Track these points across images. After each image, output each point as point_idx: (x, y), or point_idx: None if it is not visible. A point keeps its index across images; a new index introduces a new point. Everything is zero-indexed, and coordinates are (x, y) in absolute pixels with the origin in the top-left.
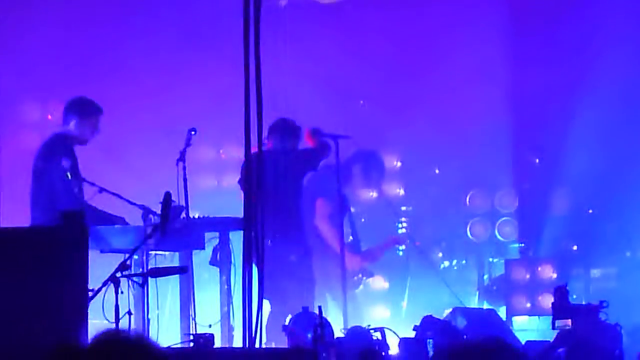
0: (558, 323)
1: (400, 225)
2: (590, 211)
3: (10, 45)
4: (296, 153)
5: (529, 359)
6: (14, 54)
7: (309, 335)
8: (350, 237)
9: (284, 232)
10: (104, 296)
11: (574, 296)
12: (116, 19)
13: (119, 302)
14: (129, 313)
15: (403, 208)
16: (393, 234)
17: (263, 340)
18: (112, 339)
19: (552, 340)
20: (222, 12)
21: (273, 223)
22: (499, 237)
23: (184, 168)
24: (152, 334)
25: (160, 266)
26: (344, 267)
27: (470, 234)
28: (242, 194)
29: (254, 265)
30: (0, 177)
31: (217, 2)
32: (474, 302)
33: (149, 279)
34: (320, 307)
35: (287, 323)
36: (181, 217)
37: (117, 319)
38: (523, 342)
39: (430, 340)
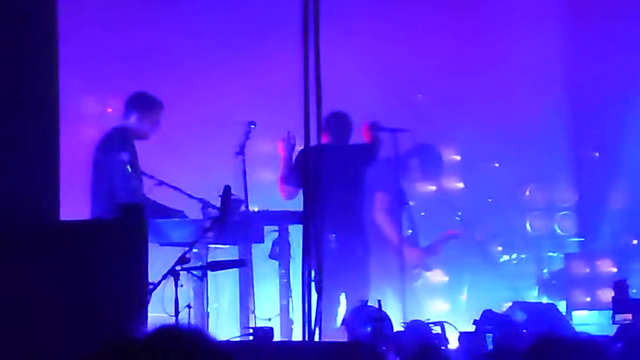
0: (618, 317)
1: (458, 219)
2: None
3: (70, 39)
4: (356, 148)
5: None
6: (73, 47)
7: (368, 329)
8: (409, 231)
9: (347, 228)
10: (164, 289)
11: (634, 290)
12: (173, 13)
13: (178, 296)
14: (189, 306)
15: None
16: (452, 227)
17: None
18: (169, 333)
19: (612, 335)
20: (280, 4)
21: (336, 219)
22: (558, 231)
23: (243, 161)
24: (211, 327)
25: (220, 259)
26: (403, 260)
27: (530, 227)
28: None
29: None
30: (60, 170)
31: None
32: (533, 297)
33: (208, 272)
34: (379, 301)
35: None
36: (240, 210)
37: (177, 312)
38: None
39: (490, 334)
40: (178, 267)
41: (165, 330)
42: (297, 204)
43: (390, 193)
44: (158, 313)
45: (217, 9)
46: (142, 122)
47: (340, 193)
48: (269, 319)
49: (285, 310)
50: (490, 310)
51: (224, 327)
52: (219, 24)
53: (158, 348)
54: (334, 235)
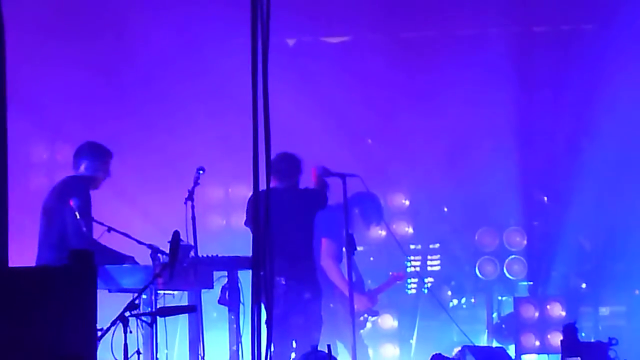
0: None
1: (409, 264)
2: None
3: (20, 87)
4: (306, 192)
5: None
6: (23, 95)
7: None
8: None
9: (298, 272)
10: (113, 336)
11: (583, 334)
12: (124, 62)
13: (127, 342)
14: (138, 352)
15: (412, 246)
16: (396, 271)
17: None
18: None
19: None
20: (230, 52)
21: (286, 262)
22: (507, 275)
23: (193, 207)
24: None
25: (169, 305)
26: (352, 307)
27: (479, 272)
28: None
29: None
30: (9, 217)
31: (225, 43)
32: (483, 341)
33: (158, 318)
34: (329, 346)
35: None
36: (190, 256)
37: (126, 359)
38: None
39: None
40: (127, 313)
41: None
42: (246, 249)
43: (337, 239)
44: None
45: (166, 58)
46: (92, 171)
47: (290, 238)
48: None
49: (235, 356)
50: (440, 354)
51: None
52: (168, 71)
53: None
54: (283, 279)
